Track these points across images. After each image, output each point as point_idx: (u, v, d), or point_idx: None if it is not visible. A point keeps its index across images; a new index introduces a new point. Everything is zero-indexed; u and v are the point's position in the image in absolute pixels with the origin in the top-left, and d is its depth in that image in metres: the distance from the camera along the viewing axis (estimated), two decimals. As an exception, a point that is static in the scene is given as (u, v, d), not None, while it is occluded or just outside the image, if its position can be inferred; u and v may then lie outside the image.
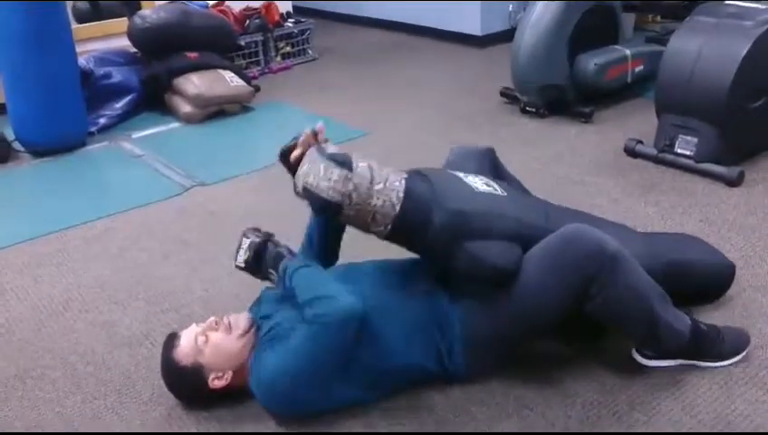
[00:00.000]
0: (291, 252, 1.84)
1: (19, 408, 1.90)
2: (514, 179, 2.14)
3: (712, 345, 1.82)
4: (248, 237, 1.84)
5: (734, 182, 2.80)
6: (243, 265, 1.84)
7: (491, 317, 1.73)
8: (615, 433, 1.62)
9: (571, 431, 1.67)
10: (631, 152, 3.12)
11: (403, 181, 1.67)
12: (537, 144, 3.37)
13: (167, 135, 3.90)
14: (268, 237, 1.85)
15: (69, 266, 2.60)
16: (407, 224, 1.67)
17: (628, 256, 1.68)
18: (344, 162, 1.63)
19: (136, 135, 3.88)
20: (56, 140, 3.64)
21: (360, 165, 1.64)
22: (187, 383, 1.76)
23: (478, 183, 1.82)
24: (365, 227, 1.69)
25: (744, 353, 1.84)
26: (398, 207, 1.64)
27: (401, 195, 1.65)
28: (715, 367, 1.82)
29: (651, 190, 2.83)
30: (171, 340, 1.79)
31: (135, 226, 2.88)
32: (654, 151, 3.04)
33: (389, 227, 1.66)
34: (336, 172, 1.61)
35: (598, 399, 1.76)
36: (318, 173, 1.62)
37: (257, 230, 1.88)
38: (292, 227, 2.04)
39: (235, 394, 1.78)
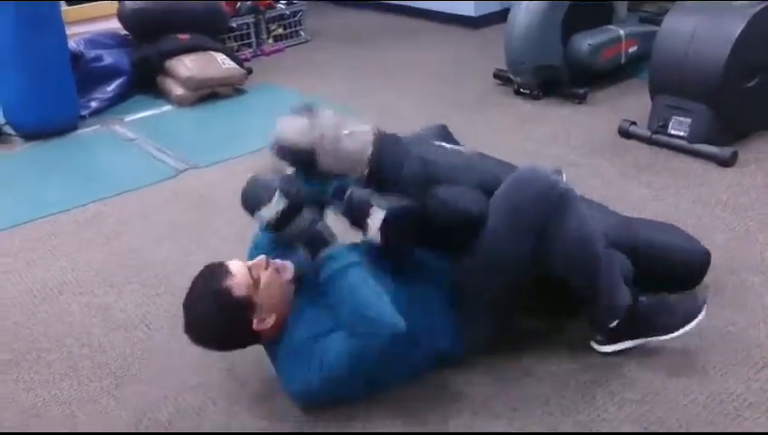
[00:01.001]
0: (324, 227, 1.66)
1: (15, 390, 1.90)
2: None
3: (661, 317, 1.82)
4: (282, 189, 1.59)
5: (727, 162, 2.81)
6: (273, 220, 1.61)
7: (469, 277, 1.75)
8: (613, 433, 1.63)
9: (572, 432, 1.67)
10: (625, 133, 3.12)
11: (371, 131, 1.77)
12: (531, 125, 3.37)
13: (159, 118, 3.88)
14: (301, 200, 1.63)
15: (62, 250, 2.60)
16: (379, 168, 1.73)
17: (576, 196, 1.73)
18: (307, 107, 1.72)
19: (128, 118, 3.86)
20: (47, 123, 3.61)
21: (326, 112, 1.73)
22: (230, 318, 1.62)
23: (444, 145, 1.91)
24: (345, 174, 1.74)
25: (696, 321, 1.80)
26: (369, 151, 1.73)
27: (370, 137, 1.74)
28: (668, 339, 1.81)
29: (645, 171, 2.84)
30: (219, 269, 1.64)
31: (128, 209, 2.87)
32: (648, 132, 3.04)
33: (366, 171, 1.73)
34: (299, 121, 1.70)
35: (591, 378, 1.78)
36: (286, 126, 1.71)
37: (290, 181, 1.63)
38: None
39: (261, 348, 1.73)
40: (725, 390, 1.71)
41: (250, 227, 1.97)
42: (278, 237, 1.72)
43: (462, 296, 1.77)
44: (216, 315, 1.63)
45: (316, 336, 1.65)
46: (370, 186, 1.74)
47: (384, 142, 1.77)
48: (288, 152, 1.66)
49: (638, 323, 1.81)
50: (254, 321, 1.64)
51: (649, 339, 1.83)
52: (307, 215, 1.63)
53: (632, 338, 1.83)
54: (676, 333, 1.81)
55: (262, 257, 1.68)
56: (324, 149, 1.68)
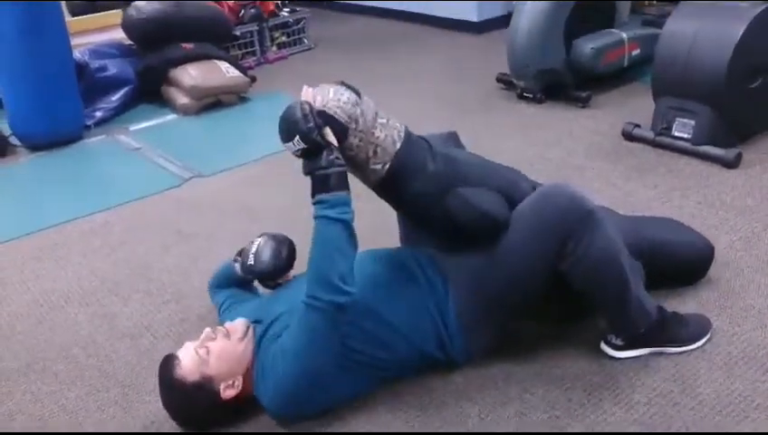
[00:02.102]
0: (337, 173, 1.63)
1: (22, 401, 1.91)
2: None
3: (679, 329, 1.83)
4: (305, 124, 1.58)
5: (731, 164, 2.80)
6: (296, 153, 1.62)
7: (479, 285, 1.74)
8: (612, 433, 1.63)
9: (580, 433, 1.67)
10: (629, 136, 3.12)
11: (403, 126, 1.75)
12: (534, 129, 3.37)
13: (164, 127, 3.89)
14: (320, 145, 1.60)
15: (68, 260, 2.61)
16: (403, 164, 1.71)
17: (605, 216, 1.70)
18: (354, 89, 1.69)
19: (133, 127, 3.88)
20: (53, 134, 3.63)
21: (367, 99, 1.72)
22: (198, 401, 1.66)
23: (465, 151, 1.92)
24: (365, 162, 1.70)
25: (707, 337, 1.86)
26: (399, 144, 1.70)
27: (402, 134, 1.72)
28: (683, 352, 1.83)
29: (649, 174, 2.83)
30: (169, 361, 1.69)
31: (134, 218, 2.88)
32: (651, 135, 3.03)
33: (387, 165, 1.70)
34: (346, 94, 1.66)
35: (598, 381, 1.77)
36: (327, 95, 1.66)
37: (316, 116, 1.60)
38: (292, 219, 2.04)
39: (247, 407, 1.73)
40: (732, 391, 1.71)
41: (254, 235, 1.98)
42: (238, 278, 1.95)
43: (464, 307, 1.75)
44: (185, 404, 1.68)
45: (276, 339, 1.68)
46: (387, 181, 1.73)
47: (413, 140, 1.76)
48: (324, 119, 1.62)
49: (657, 333, 1.81)
50: (222, 390, 1.66)
51: (664, 349, 1.83)
52: (325, 158, 1.60)
53: (649, 346, 1.83)
54: (693, 346, 1.83)
55: (207, 330, 1.72)
56: (357, 130, 1.66)
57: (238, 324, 1.75)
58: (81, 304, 2.32)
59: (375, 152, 1.69)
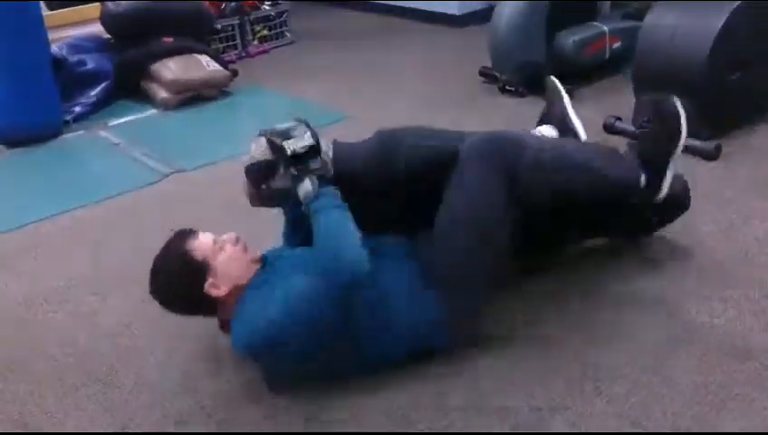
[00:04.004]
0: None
1: (1, 401, 1.88)
2: None
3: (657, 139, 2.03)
4: (306, 129, 1.76)
5: (711, 156, 2.82)
6: (302, 150, 1.73)
7: (451, 245, 1.77)
8: (607, 433, 1.63)
9: (581, 433, 1.68)
10: (610, 129, 3.13)
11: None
12: (516, 123, 3.36)
13: (144, 122, 3.86)
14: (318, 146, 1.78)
15: (47, 257, 2.58)
16: (337, 160, 1.87)
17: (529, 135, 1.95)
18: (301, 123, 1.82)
19: (112, 123, 3.83)
20: (30, 129, 3.58)
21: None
22: (184, 277, 1.73)
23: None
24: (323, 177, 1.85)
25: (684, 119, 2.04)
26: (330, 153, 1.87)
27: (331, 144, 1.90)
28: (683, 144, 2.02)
29: (630, 166, 2.84)
30: (187, 232, 1.79)
31: (113, 215, 2.86)
32: (632, 128, 3.05)
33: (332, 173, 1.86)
34: (304, 128, 1.78)
35: (577, 373, 1.78)
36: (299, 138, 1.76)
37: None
38: (277, 215, 2.03)
39: (214, 321, 1.81)
40: (711, 381, 1.72)
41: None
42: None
43: (439, 276, 1.77)
44: (170, 270, 1.76)
45: (279, 275, 1.73)
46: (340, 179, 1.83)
47: (340, 144, 1.90)
48: (306, 152, 1.75)
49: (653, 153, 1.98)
50: (207, 283, 1.71)
51: (676, 153, 1.99)
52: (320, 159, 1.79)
53: (662, 169, 1.98)
54: (683, 134, 2.01)
55: (232, 234, 1.81)
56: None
57: (258, 251, 1.84)
58: (59, 302, 2.29)
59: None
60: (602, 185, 1.92)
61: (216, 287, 1.72)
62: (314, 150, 1.75)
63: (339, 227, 1.70)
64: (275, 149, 1.75)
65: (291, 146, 1.73)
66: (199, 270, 1.72)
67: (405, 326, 1.75)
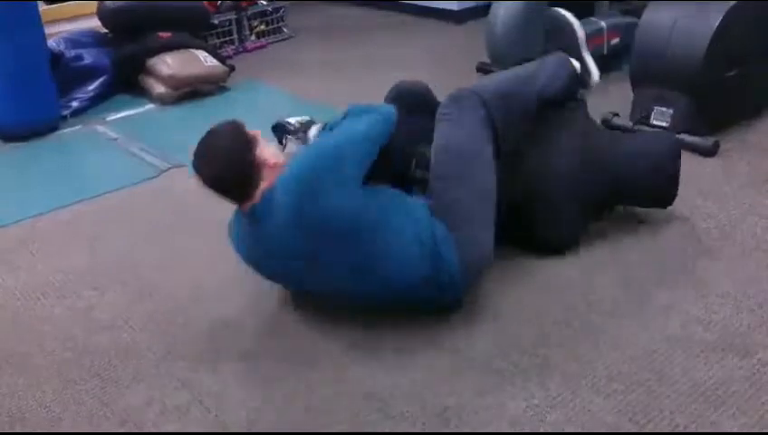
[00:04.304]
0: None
1: (-2, 396, 1.88)
2: None
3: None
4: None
5: (709, 152, 2.82)
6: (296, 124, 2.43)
7: (451, 195, 1.96)
8: (604, 433, 1.63)
9: (579, 433, 1.68)
10: (608, 125, 3.13)
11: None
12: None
13: (141, 117, 3.84)
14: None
15: (45, 252, 2.57)
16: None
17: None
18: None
19: (110, 118, 3.82)
20: (28, 124, 3.57)
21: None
22: (237, 142, 1.90)
23: None
24: None
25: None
26: None
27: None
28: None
29: (628, 162, 2.84)
30: (231, 120, 1.99)
31: (111, 210, 2.85)
32: (630, 123, 3.05)
33: None
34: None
35: (575, 370, 1.78)
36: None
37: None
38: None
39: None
40: (709, 378, 1.73)
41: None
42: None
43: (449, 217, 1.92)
44: (227, 139, 1.92)
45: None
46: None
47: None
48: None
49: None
50: (258, 149, 1.88)
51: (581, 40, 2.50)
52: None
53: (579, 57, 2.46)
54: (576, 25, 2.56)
55: (258, 132, 1.97)
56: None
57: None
58: (57, 297, 2.29)
59: None
60: (550, 82, 2.24)
61: (263, 152, 1.90)
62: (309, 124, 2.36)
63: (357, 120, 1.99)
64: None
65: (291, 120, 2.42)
66: (252, 140, 1.90)
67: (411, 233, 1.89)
